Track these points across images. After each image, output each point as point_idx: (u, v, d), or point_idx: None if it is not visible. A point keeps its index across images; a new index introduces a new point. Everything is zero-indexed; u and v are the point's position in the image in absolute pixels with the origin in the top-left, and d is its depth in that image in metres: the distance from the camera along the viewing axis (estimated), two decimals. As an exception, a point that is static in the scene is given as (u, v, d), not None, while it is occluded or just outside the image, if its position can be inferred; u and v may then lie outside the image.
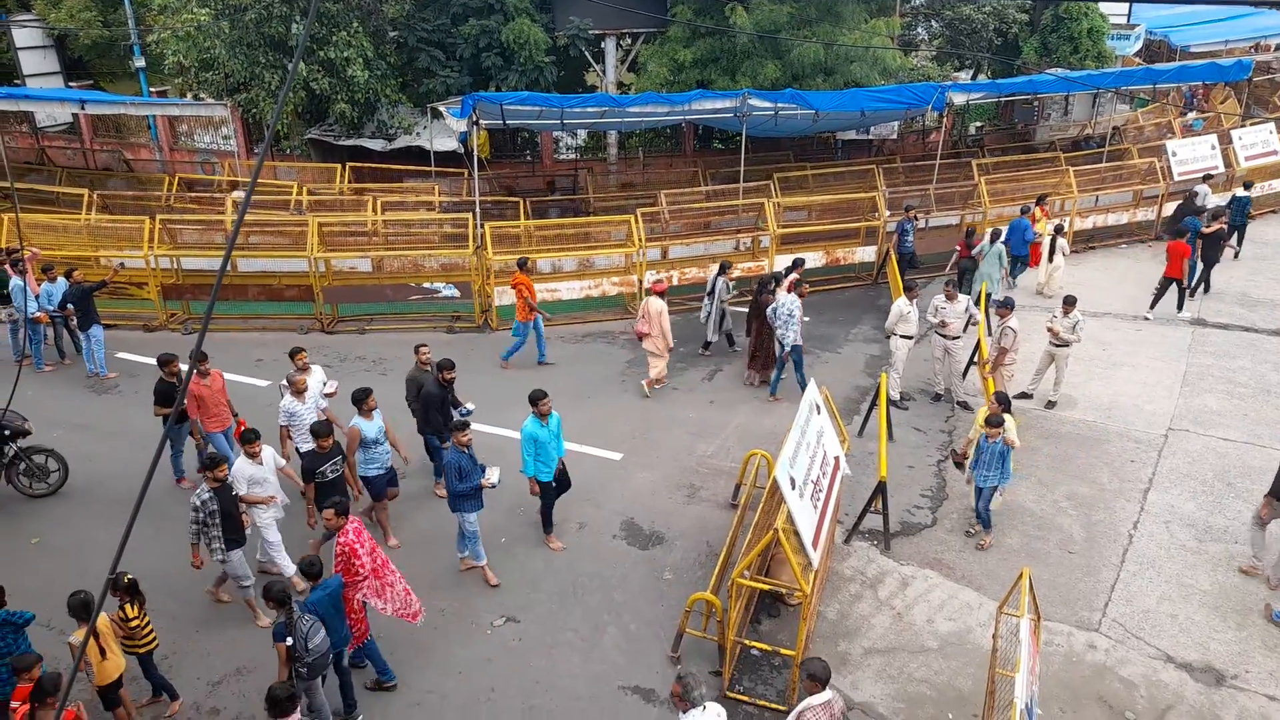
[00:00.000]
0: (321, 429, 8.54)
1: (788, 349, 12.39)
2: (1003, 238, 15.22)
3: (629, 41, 23.07)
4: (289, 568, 8.70)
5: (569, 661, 7.96)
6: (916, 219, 16.79)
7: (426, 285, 15.19)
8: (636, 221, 15.38)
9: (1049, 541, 9.70)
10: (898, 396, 12.46)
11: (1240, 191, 18.13)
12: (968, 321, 12.46)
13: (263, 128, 21.40)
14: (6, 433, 9.76)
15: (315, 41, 19.00)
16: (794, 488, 7.63)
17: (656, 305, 12.52)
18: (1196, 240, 15.77)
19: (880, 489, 9.40)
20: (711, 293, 13.97)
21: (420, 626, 7.96)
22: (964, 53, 25.26)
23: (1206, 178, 19.20)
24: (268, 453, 8.58)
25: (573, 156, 23.99)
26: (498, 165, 22.57)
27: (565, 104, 16.07)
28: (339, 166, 19.90)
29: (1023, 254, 16.17)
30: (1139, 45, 29.22)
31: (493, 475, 8.55)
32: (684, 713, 5.80)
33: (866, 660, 8.08)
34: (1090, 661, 8.04)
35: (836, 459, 9.13)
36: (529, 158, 24.01)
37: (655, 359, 12.88)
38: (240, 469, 8.40)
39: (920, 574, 9.24)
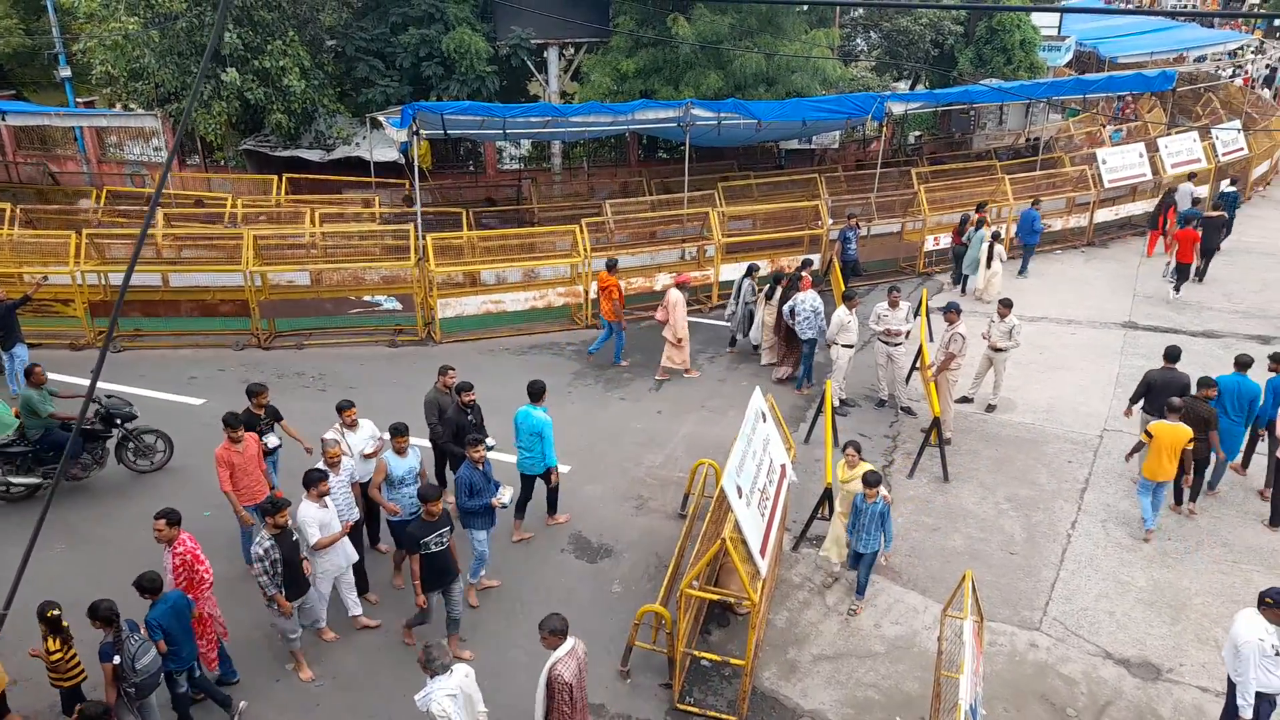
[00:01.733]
0: (430, 493, 7.58)
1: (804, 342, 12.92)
2: (992, 226, 17.00)
3: (572, 51, 23.05)
4: (323, 619, 8.23)
5: (516, 681, 7.81)
6: (858, 227, 17.02)
7: (367, 298, 14.90)
8: (581, 231, 15.32)
9: (991, 543, 9.85)
10: (839, 403, 12.57)
11: (1227, 187, 19.31)
12: (910, 329, 12.67)
13: (196, 138, 20.87)
14: (117, 419, 10.61)
15: (249, 50, 18.60)
16: (741, 496, 7.61)
17: (675, 296, 13.17)
18: (1199, 227, 16.84)
19: (827, 495, 9.44)
20: (738, 294, 14.38)
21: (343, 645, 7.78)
22: (902, 64, 25.75)
23: (1191, 176, 20.33)
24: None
25: (516, 167, 23.85)
26: (440, 176, 22.33)
27: (508, 114, 15.96)
28: (275, 178, 19.47)
29: (1032, 242, 17.72)
30: (1070, 56, 30.13)
31: (504, 495, 8.42)
32: (431, 678, 6.05)
33: (815, 667, 8.10)
34: (1032, 660, 8.17)
35: (783, 467, 9.15)
36: (472, 168, 23.80)
37: (673, 349, 13.47)
38: (308, 514, 7.76)
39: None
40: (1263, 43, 45.12)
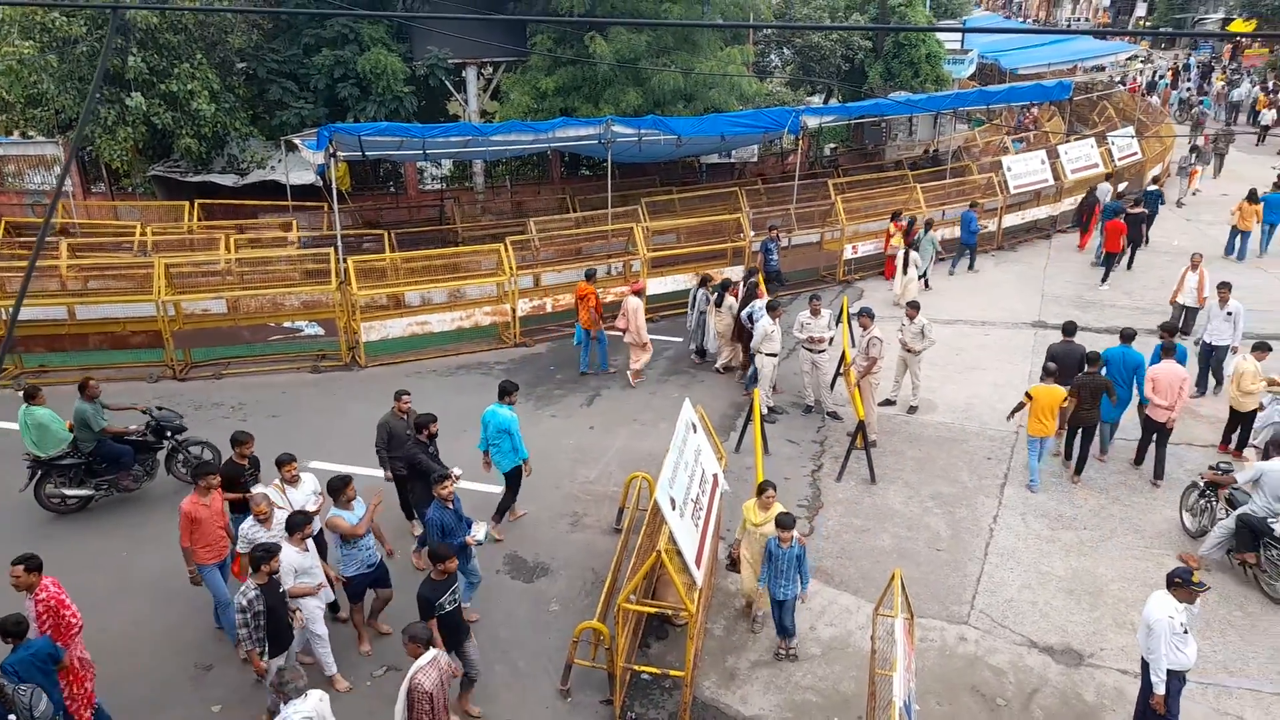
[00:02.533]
0: (444, 551, 7.14)
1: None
2: (941, 229, 18.76)
3: (490, 70, 23.01)
4: (332, 666, 7.88)
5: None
6: (779, 238, 17.36)
7: (288, 324, 14.56)
8: (506, 250, 15.27)
9: (918, 541, 10.12)
10: (767, 410, 12.77)
11: (1151, 186, 20.83)
12: (833, 335, 12.96)
13: (100, 165, 20.12)
14: (168, 431, 10.86)
15: (155, 74, 18.05)
16: (674, 508, 7.66)
17: (633, 303, 13.56)
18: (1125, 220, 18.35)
19: (759, 502, 9.57)
20: (693, 304, 14.69)
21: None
22: (815, 79, 26.41)
23: (1107, 177, 21.63)
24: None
25: (438, 187, 23.64)
26: (360, 198, 21.98)
27: (427, 134, 15.83)
28: (187, 204, 18.89)
29: (970, 241, 18.98)
30: (973, 69, 31.32)
31: (479, 531, 8.04)
32: (285, 702, 6.01)
33: (754, 673, 8.19)
34: (962, 653, 8.41)
35: (715, 476, 9.25)
36: (392, 189, 23.49)
37: (637, 351, 13.85)
38: (288, 558, 7.48)
39: (801, 583, 9.44)
40: (1149, 53, 47.70)
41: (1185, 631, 6.77)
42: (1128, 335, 11.51)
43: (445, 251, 16.11)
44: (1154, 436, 11.05)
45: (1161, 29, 49.68)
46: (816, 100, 28.13)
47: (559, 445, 12.17)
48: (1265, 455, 11.26)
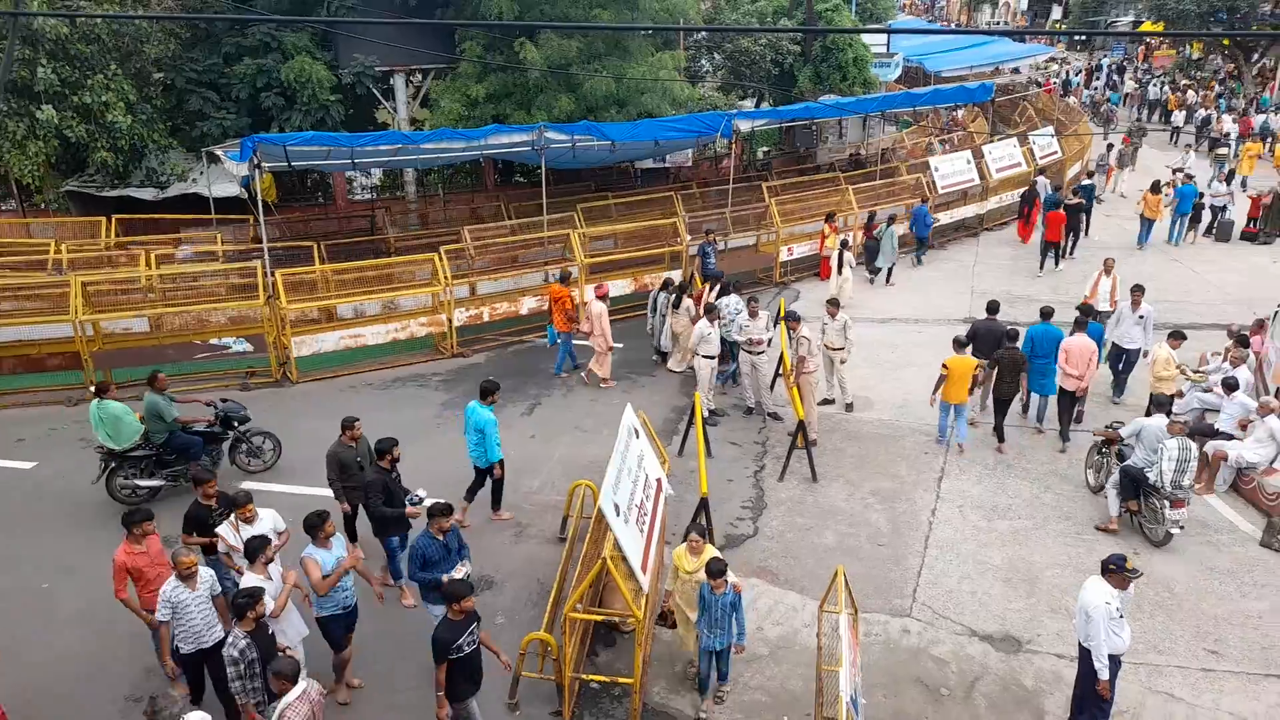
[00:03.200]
0: (461, 589, 6.59)
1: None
2: (903, 223, 19.59)
3: (419, 78, 22.70)
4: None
5: (400, 726, 7.54)
6: (716, 241, 17.47)
7: (214, 341, 14.12)
8: (441, 259, 15.06)
9: (860, 536, 10.25)
10: (708, 414, 12.82)
11: (1085, 180, 22.02)
12: (772, 336, 13.08)
13: (10, 182, 19.27)
14: (234, 421, 11.14)
15: (67, 86, 17.37)
16: (619, 514, 7.62)
17: (597, 308, 13.72)
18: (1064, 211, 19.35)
19: (703, 505, 9.57)
20: (654, 308, 14.82)
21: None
22: (746, 83, 26.70)
23: (1041, 171, 22.50)
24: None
25: (369, 196, 23.23)
26: (287, 209, 21.47)
27: (355, 143, 15.54)
28: (104, 220, 18.20)
29: (923, 236, 20.00)
30: (899, 72, 31.98)
31: (460, 571, 7.43)
32: None
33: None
34: (906, 646, 8.53)
35: (659, 481, 9.22)
36: (321, 200, 23.01)
37: (601, 356, 13.96)
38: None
39: (747, 583, 9.45)
40: (1066, 56, 49.39)
41: (1120, 616, 6.95)
42: (1047, 312, 12.56)
43: (378, 262, 15.82)
44: (1067, 403, 12.05)
45: (1076, 31, 51.50)
46: (748, 104, 28.41)
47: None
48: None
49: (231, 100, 19.44)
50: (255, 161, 14.53)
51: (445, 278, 14.95)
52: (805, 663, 8.20)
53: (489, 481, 10.27)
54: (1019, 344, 11.87)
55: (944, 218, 22.07)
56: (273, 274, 14.17)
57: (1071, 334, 11.94)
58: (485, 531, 10.33)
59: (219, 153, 15.96)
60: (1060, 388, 12.01)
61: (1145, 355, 12.76)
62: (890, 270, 18.86)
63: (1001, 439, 12.08)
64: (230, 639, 6.49)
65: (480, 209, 21.78)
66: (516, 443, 12.42)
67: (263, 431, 11.51)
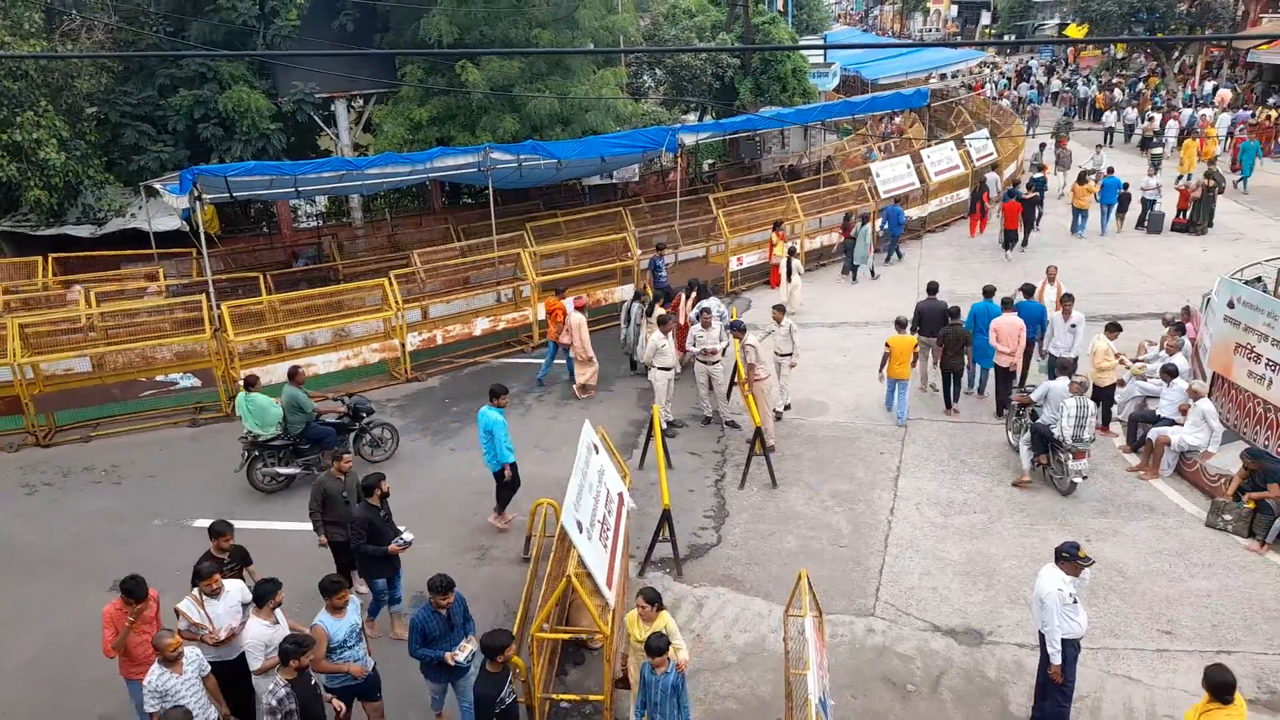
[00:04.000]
0: (501, 639, 6.44)
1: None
2: (880, 222, 20.75)
3: (361, 103, 22.56)
4: None
5: (370, 758, 7.41)
6: (666, 254, 17.59)
7: (160, 378, 13.81)
8: (391, 284, 14.94)
9: (822, 539, 10.36)
10: (667, 425, 12.88)
11: (1035, 175, 23.49)
12: (726, 345, 13.20)
13: (-63, 223, 18.69)
14: (363, 414, 11.97)
15: (-5, 123, 16.92)
16: (581, 531, 7.63)
17: (576, 318, 13.97)
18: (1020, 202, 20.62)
19: (666, 517, 9.63)
20: (628, 318, 14.94)
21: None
22: (688, 98, 26.99)
23: (994, 166, 23.70)
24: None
25: (315, 224, 22.96)
26: (231, 241, 21.12)
27: (298, 170, 15.37)
28: (40, 259, 17.72)
29: (897, 233, 20.80)
30: (837, 81, 32.68)
31: (462, 653, 6.94)
32: None
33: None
34: (871, 645, 8.64)
35: (620, 495, 9.25)
36: (266, 229, 22.68)
37: (582, 366, 14.23)
38: (256, 633, 6.81)
39: (713, 593, 9.53)
40: (996, 60, 50.78)
41: (1075, 602, 7.12)
42: (989, 291, 13.51)
43: (326, 290, 15.62)
44: (1000, 378, 13.02)
45: (1004, 38, 53.00)
46: (692, 118, 28.72)
47: (461, 478, 11.95)
48: (1130, 430, 12.10)
49: (168, 132, 19.11)
50: (196, 194, 14.30)
51: (396, 302, 14.83)
52: (774, 668, 8.26)
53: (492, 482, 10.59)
54: (962, 320, 13.02)
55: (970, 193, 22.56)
56: (218, 306, 13.92)
57: (1002, 313, 12.79)
58: (448, 555, 10.24)
59: (158, 186, 15.69)
60: (995, 364, 12.91)
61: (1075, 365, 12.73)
62: (872, 269, 19.70)
63: (949, 405, 13.29)
64: (270, 687, 6.18)
65: (428, 232, 21.64)
66: (476, 464, 12.31)
67: (384, 423, 12.38)
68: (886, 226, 20.90)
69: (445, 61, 19.84)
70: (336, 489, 8.89)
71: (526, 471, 12.07)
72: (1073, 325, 12.62)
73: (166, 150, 18.90)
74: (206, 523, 10.83)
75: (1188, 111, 32.18)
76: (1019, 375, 13.10)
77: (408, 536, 8.42)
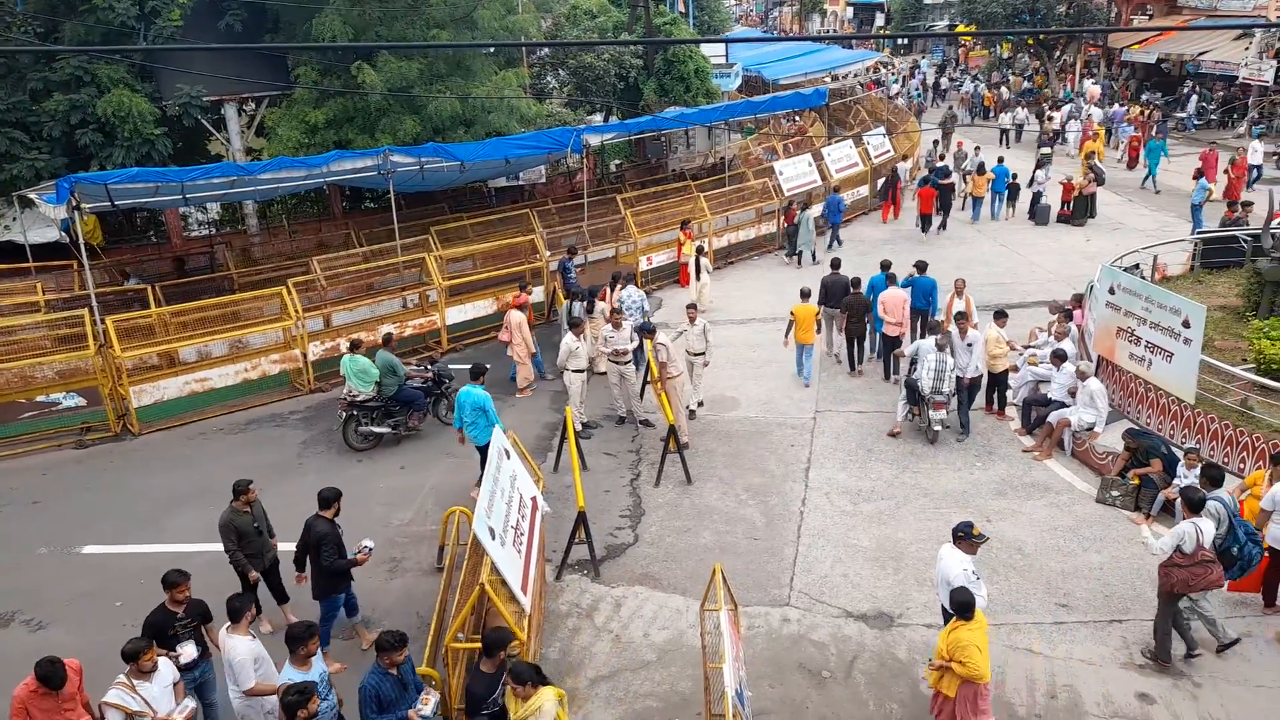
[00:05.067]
0: (503, 635, 6.61)
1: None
2: (818, 210, 21.54)
3: (253, 106, 21.75)
4: None
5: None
6: (575, 255, 17.53)
7: (41, 398, 13.03)
8: (289, 292, 14.45)
9: (737, 533, 10.47)
10: (581, 427, 12.83)
11: (939, 163, 24.32)
12: (639, 346, 13.23)
13: None
14: (445, 380, 12.97)
15: None
16: (494, 538, 7.52)
17: (516, 317, 14.01)
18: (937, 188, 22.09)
19: (581, 519, 9.58)
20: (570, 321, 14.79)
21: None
22: (592, 99, 26.95)
23: (904, 158, 25.08)
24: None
25: (207, 232, 22.03)
26: (115, 251, 20.09)
27: (185, 177, 14.70)
28: (-97, 276, 16.54)
29: (836, 220, 21.66)
30: (739, 81, 33.16)
31: (425, 706, 6.60)
32: None
33: (594, 690, 8.14)
34: (787, 634, 8.77)
35: (534, 499, 9.16)
36: (154, 239, 21.65)
37: (522, 366, 14.35)
38: (240, 650, 6.66)
39: (631, 592, 9.52)
40: (890, 60, 52.37)
41: (977, 578, 7.38)
42: (885, 265, 14.64)
43: (220, 300, 15.01)
44: (887, 345, 14.17)
45: (899, 35, 54.75)
46: (597, 119, 28.70)
47: (370, 490, 11.63)
48: (1024, 414, 12.62)
49: (44, 139, 18.00)
50: (74, 203, 13.54)
51: (296, 311, 14.35)
52: (693, 663, 8.29)
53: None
54: (862, 290, 14.30)
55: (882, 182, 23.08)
56: (103, 321, 13.22)
57: (881, 286, 14.12)
58: (359, 570, 9.93)
59: (33, 196, 14.77)
60: (882, 333, 14.14)
61: (972, 383, 12.51)
62: (813, 253, 20.29)
63: (853, 368, 14.60)
64: None
65: (329, 238, 21.02)
66: (385, 475, 12.08)
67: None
68: (826, 214, 21.66)
69: (340, 63, 19.30)
70: (247, 522, 8.46)
71: (438, 480, 11.90)
72: (969, 344, 12.35)
73: (42, 158, 17.80)
74: (97, 550, 10.41)
75: (1067, 107, 33.77)
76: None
77: (368, 544, 8.25)
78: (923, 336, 13.41)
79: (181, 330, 14.47)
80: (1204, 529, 7.85)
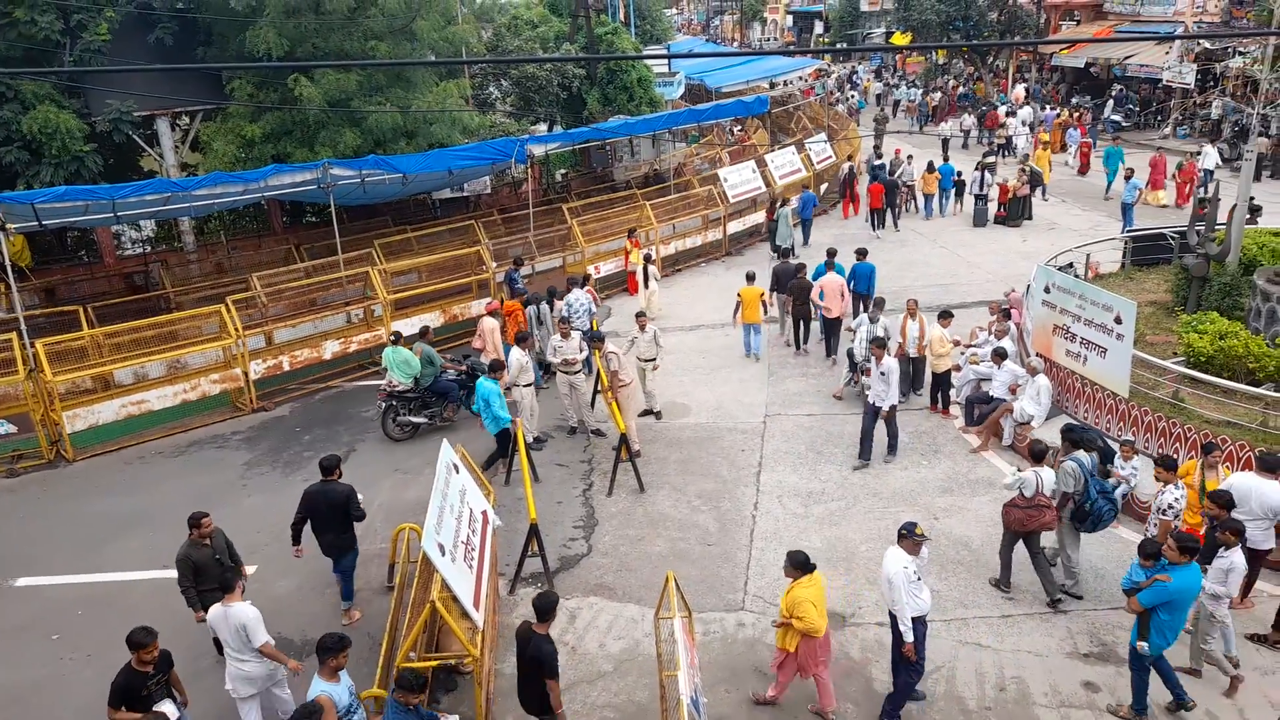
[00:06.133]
0: (553, 599, 6.99)
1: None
2: (793, 205, 22.40)
3: (187, 120, 21.25)
4: None
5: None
6: (522, 266, 17.43)
7: (-32, 428, 12.57)
8: (229, 310, 14.13)
9: (690, 540, 10.49)
10: (532, 439, 12.74)
11: (876, 161, 25.70)
12: (586, 355, 13.20)
13: None
14: (478, 374, 12.84)
15: None
16: (444, 554, 7.42)
17: (489, 323, 14.17)
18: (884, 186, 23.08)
19: (533, 531, 9.50)
20: (532, 323, 14.89)
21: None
22: (536, 109, 26.85)
23: (849, 156, 26.08)
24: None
25: (141, 250, 21.45)
26: (45, 273, 19.45)
27: (116, 195, 14.28)
28: None
29: (807, 215, 22.34)
30: (682, 90, 33.33)
31: None
32: None
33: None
34: (742, 639, 8.80)
35: (484, 513, 9.07)
36: (86, 259, 21.02)
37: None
38: (250, 608, 7.30)
39: (586, 603, 9.48)
40: (829, 67, 53.24)
41: (918, 579, 7.44)
42: (831, 252, 15.89)
43: (157, 320, 14.58)
44: (827, 327, 15.30)
45: (838, 46, 55.67)
46: (541, 129, 28.61)
47: (316, 510, 11.38)
48: (968, 411, 12.85)
49: (-36, 158, 17.39)
50: (-1, 223, 13.08)
51: (236, 329, 14.04)
52: (650, 672, 8.28)
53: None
54: (807, 275, 15.50)
55: (737, 226, 23.15)
56: (33, 345, 12.78)
57: (825, 273, 15.17)
58: (306, 593, 9.79)
59: (-47, 216, 14.22)
60: (822, 315, 15.15)
61: (889, 414, 11.85)
62: (792, 246, 20.39)
63: (798, 348, 15.84)
64: None
65: (269, 254, 20.58)
66: (332, 494, 11.84)
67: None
68: (799, 210, 22.43)
69: (277, 76, 18.95)
70: (206, 556, 8.15)
71: (387, 497, 11.72)
72: (883, 373, 11.54)
73: (-37, 177, 17.20)
74: (31, 581, 10.05)
75: (1002, 109, 34.66)
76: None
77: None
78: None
79: (116, 352, 14.03)
80: (1044, 478, 8.89)
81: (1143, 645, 7.35)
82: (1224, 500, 8.06)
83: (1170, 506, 8.73)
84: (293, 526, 8.99)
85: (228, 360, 14.35)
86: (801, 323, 15.68)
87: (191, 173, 19.89)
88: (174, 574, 8.32)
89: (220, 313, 14.20)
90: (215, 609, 7.34)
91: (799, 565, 7.40)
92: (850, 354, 13.59)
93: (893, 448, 12.16)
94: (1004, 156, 30.22)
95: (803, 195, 22.63)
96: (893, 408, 11.83)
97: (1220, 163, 25.59)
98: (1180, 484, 8.89)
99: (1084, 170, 28.88)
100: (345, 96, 18.62)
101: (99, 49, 17.96)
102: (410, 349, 13.08)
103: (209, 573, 8.12)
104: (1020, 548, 9.16)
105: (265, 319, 15.59)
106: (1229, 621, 7.91)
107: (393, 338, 13.26)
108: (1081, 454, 9.18)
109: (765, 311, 15.66)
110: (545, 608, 6.87)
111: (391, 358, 12.96)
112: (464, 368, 13.65)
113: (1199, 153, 25.15)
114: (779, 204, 21.04)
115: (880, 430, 12.03)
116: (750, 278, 15.56)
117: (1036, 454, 9.09)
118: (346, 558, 9.26)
